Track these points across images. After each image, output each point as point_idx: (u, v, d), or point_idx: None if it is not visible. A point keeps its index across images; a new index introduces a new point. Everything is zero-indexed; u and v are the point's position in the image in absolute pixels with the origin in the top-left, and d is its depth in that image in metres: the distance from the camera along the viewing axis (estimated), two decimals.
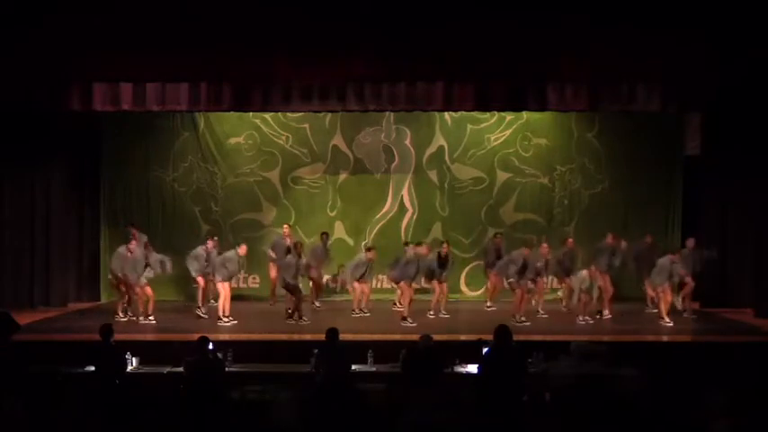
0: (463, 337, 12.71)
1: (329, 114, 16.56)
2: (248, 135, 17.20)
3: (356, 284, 15.02)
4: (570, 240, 15.55)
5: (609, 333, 13.61)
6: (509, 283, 14.81)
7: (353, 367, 10.43)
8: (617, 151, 17.12)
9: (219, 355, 10.56)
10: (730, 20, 13.21)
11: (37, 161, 15.68)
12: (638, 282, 15.59)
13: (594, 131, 17.24)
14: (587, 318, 14.32)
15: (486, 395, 8.72)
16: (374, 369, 11.22)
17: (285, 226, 16.12)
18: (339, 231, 17.20)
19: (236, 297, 15.08)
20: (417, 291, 15.07)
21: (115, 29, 13.32)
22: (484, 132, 17.23)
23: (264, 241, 16.54)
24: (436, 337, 10.40)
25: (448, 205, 17.30)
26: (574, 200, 17.28)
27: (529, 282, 14.60)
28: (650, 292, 15.11)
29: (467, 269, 17.14)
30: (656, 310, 14.67)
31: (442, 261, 14.81)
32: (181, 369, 10.02)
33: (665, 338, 13.48)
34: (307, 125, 17.12)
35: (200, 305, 14.64)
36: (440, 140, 17.27)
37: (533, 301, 15.13)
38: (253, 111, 15.97)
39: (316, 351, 10.42)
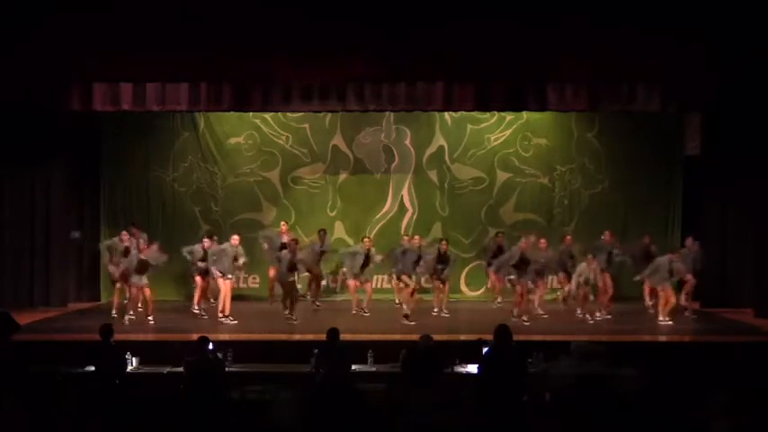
0: (463, 337, 12.71)
1: (329, 114, 16.56)
2: (248, 135, 17.21)
3: (352, 283, 15.05)
4: (569, 237, 15.54)
5: (608, 333, 13.60)
6: (509, 281, 14.80)
7: (353, 367, 10.42)
8: (617, 151, 17.12)
9: (219, 355, 10.56)
10: (730, 20, 13.22)
11: (37, 161, 15.68)
12: (634, 278, 15.54)
13: (594, 131, 17.24)
14: (587, 314, 14.31)
15: (486, 395, 8.72)
16: (374, 369, 11.22)
17: (282, 223, 16.06)
18: (339, 231, 17.21)
19: (237, 297, 15.08)
20: (419, 290, 15.07)
21: (115, 29, 13.33)
22: (484, 132, 17.23)
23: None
24: (436, 337, 10.40)
25: (448, 205, 17.30)
26: (574, 200, 17.28)
27: (529, 282, 14.59)
28: (648, 288, 15.12)
29: (467, 269, 17.14)
30: (653, 302, 14.68)
31: (442, 258, 14.80)
32: (181, 369, 10.01)
33: (665, 338, 13.49)
34: (307, 125, 17.12)
35: (196, 303, 14.58)
36: (440, 140, 17.27)
37: (536, 302, 15.09)
38: (253, 111, 15.98)
39: (316, 351, 10.42)
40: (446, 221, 17.26)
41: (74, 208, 16.75)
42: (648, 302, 15.18)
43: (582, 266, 14.34)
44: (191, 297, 14.86)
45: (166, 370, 10.99)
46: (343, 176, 17.30)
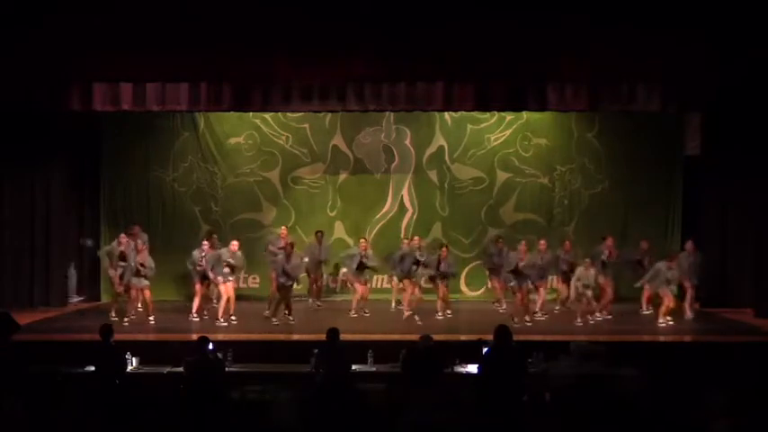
0: (463, 337, 12.73)
1: (329, 114, 16.56)
2: (248, 135, 17.20)
3: (359, 287, 15.05)
4: (568, 243, 15.53)
5: (608, 333, 13.59)
6: (510, 287, 14.80)
7: (353, 367, 10.43)
8: (617, 151, 17.12)
9: (219, 355, 10.56)
10: (730, 20, 13.22)
11: (37, 161, 15.68)
12: (635, 285, 15.53)
13: (594, 131, 17.24)
14: (588, 317, 14.31)
15: (486, 395, 8.72)
16: (374, 369, 11.24)
17: (283, 228, 16.01)
18: (339, 231, 17.21)
19: (236, 297, 15.03)
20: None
21: (115, 29, 13.33)
22: (484, 132, 17.23)
23: (264, 241, 16.52)
24: (436, 337, 10.40)
25: (448, 205, 17.30)
26: (574, 200, 17.28)
27: (530, 284, 14.57)
28: (647, 292, 15.12)
29: (467, 269, 17.13)
30: (650, 311, 14.67)
31: (442, 264, 14.74)
32: (181, 369, 10.02)
33: (665, 338, 13.48)
34: (307, 125, 17.12)
35: (195, 311, 14.43)
36: (440, 140, 17.27)
37: (537, 304, 15.06)
38: (253, 111, 15.97)
39: (316, 351, 10.42)
40: (446, 221, 17.26)
41: (74, 208, 16.74)
42: (645, 309, 15.17)
43: (580, 270, 14.32)
44: (191, 297, 14.84)
45: (166, 370, 11.00)
46: (343, 176, 17.30)
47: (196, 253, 14.50)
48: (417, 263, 14.59)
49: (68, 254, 16.46)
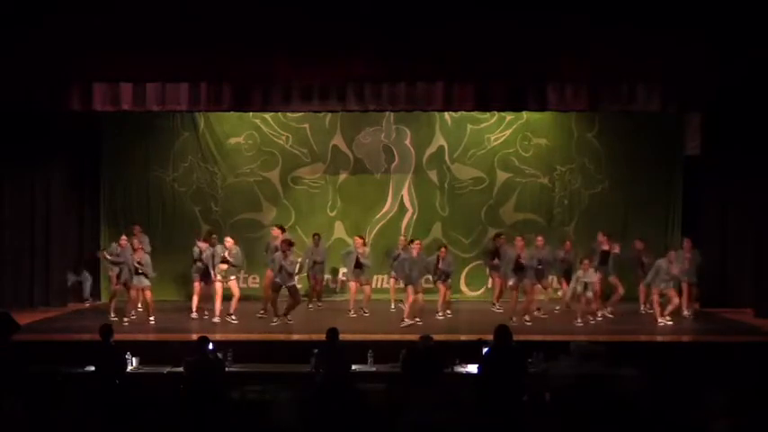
0: (463, 337, 12.73)
1: (329, 114, 16.56)
2: (248, 135, 17.21)
3: (353, 284, 15.09)
4: (568, 243, 15.52)
5: (608, 333, 13.58)
6: (510, 286, 14.80)
7: (353, 367, 10.44)
8: (617, 151, 17.12)
9: (219, 355, 10.57)
10: (730, 20, 13.22)
11: (37, 161, 15.68)
12: (633, 283, 15.54)
13: (594, 131, 17.24)
14: (589, 317, 14.30)
15: (486, 395, 8.73)
16: (374, 369, 11.23)
17: (274, 228, 15.76)
18: (339, 231, 17.21)
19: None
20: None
21: (115, 29, 13.33)
22: (484, 132, 17.23)
23: (264, 241, 16.52)
24: (436, 337, 10.42)
25: (448, 205, 17.30)
26: (574, 200, 17.28)
27: (529, 282, 14.57)
28: (643, 294, 15.11)
29: (467, 269, 17.14)
30: (651, 311, 14.66)
31: (441, 264, 14.74)
32: (181, 369, 10.03)
33: (665, 338, 13.48)
34: (307, 125, 17.12)
35: (194, 310, 14.46)
36: (440, 140, 17.28)
37: (535, 304, 15.05)
38: (253, 111, 15.97)
39: (316, 351, 10.42)
40: (446, 221, 17.26)
41: (74, 208, 16.75)
42: (642, 307, 15.18)
43: (579, 271, 14.30)
44: (191, 297, 14.83)
45: (166, 370, 11.00)
46: (343, 176, 17.30)
47: (195, 249, 14.53)
48: (416, 263, 14.55)
49: (68, 254, 16.45)
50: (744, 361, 11.54)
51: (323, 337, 10.19)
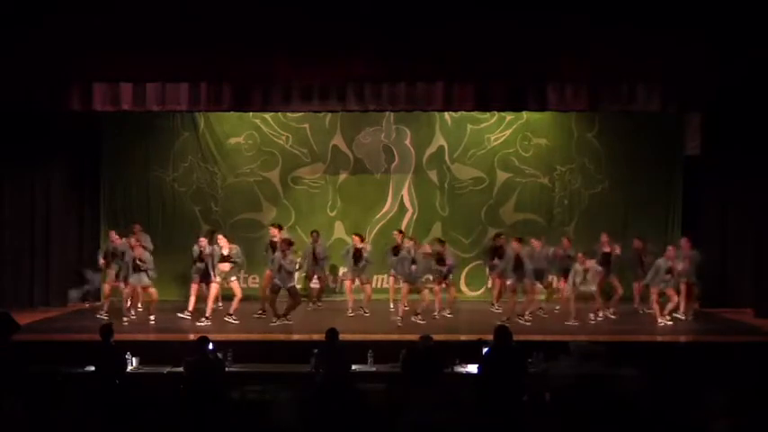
0: (463, 337, 12.73)
1: (329, 114, 16.56)
2: (248, 135, 17.20)
3: (348, 283, 15.13)
4: (566, 240, 15.52)
5: (608, 333, 13.58)
6: (508, 285, 14.80)
7: (353, 367, 10.43)
8: (617, 151, 17.11)
9: (219, 355, 10.56)
10: (730, 20, 13.22)
11: (37, 161, 15.68)
12: (631, 283, 15.53)
13: (594, 131, 17.24)
14: (590, 315, 14.30)
15: (486, 395, 8.73)
16: (374, 369, 11.23)
17: (272, 227, 15.70)
18: (339, 231, 17.21)
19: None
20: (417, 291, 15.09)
21: (115, 29, 13.33)
22: (484, 132, 17.23)
23: (264, 241, 16.50)
24: (436, 337, 10.41)
25: (448, 205, 17.30)
26: (574, 200, 17.28)
27: (528, 283, 14.57)
28: (638, 292, 15.08)
29: (467, 269, 17.14)
30: (650, 311, 14.66)
31: (440, 261, 14.75)
32: (181, 369, 10.01)
33: (665, 338, 13.48)
34: (307, 125, 17.12)
35: (190, 310, 14.36)
36: (440, 140, 17.27)
37: (536, 304, 15.04)
38: (253, 111, 15.97)
39: (315, 351, 10.42)
40: (446, 221, 17.26)
41: (74, 208, 16.73)
42: (640, 307, 15.18)
43: (576, 267, 14.30)
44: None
45: (166, 370, 10.99)
46: (343, 176, 17.30)
47: (195, 249, 14.53)
48: (414, 262, 14.56)
49: (68, 254, 16.45)
50: (744, 361, 11.52)
51: (323, 337, 10.19)
